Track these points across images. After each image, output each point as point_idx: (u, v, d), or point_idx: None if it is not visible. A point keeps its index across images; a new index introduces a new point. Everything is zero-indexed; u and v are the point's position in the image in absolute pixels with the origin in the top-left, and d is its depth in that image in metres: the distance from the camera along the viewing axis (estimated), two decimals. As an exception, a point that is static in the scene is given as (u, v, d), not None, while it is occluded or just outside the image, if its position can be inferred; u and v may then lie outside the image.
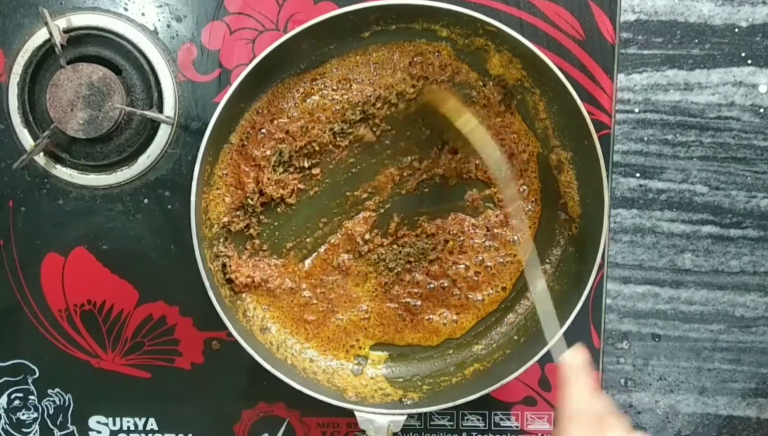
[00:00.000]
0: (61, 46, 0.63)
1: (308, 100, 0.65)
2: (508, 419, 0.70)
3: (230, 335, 0.61)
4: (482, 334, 0.68)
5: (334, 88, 0.65)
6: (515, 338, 0.67)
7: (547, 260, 0.67)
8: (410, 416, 0.64)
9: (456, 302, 0.68)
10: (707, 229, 0.69)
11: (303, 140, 0.65)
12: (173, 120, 0.66)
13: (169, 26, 0.66)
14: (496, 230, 0.67)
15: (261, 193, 0.65)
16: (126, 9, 0.66)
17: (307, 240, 0.67)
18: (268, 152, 0.65)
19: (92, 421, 0.70)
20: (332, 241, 0.67)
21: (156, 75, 0.65)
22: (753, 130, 0.68)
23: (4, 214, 0.67)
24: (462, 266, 0.67)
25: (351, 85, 0.65)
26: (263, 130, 0.65)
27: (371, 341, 0.68)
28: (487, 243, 0.67)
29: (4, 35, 0.65)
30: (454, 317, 0.68)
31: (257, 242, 0.67)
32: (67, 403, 0.70)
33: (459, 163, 0.66)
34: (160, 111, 0.66)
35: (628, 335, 0.70)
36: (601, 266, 0.65)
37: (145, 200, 0.67)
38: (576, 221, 0.65)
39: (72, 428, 0.70)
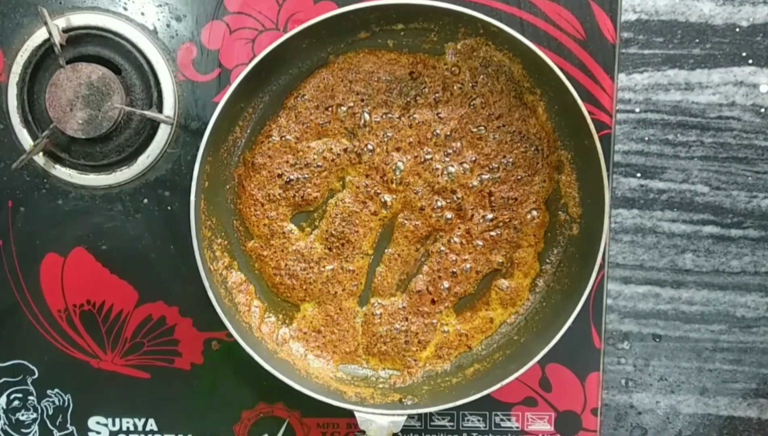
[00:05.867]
0: (61, 45, 0.63)
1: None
2: (509, 420, 0.70)
3: (230, 335, 0.61)
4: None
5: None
6: (515, 338, 0.67)
7: (548, 260, 0.67)
8: (410, 416, 0.64)
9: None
10: (708, 229, 0.69)
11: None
12: (173, 120, 0.66)
13: (168, 26, 0.66)
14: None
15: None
16: (125, 8, 0.66)
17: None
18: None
19: (92, 421, 0.70)
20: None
21: (155, 75, 0.65)
22: (754, 130, 0.68)
23: (3, 214, 0.67)
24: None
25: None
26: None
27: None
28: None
29: (3, 35, 0.65)
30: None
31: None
32: (66, 403, 0.69)
33: None
34: (160, 111, 0.65)
35: (628, 335, 0.70)
36: (601, 266, 0.65)
37: (145, 200, 0.67)
38: (577, 221, 0.65)
39: (71, 428, 0.70)
